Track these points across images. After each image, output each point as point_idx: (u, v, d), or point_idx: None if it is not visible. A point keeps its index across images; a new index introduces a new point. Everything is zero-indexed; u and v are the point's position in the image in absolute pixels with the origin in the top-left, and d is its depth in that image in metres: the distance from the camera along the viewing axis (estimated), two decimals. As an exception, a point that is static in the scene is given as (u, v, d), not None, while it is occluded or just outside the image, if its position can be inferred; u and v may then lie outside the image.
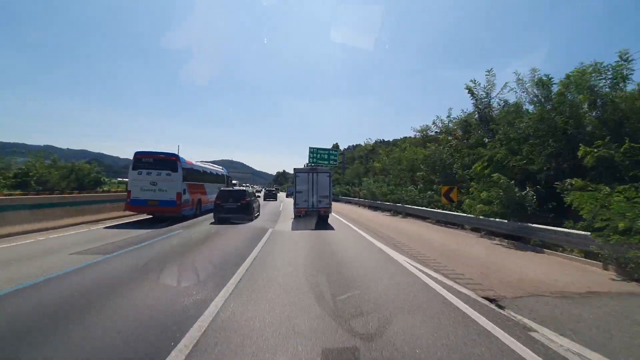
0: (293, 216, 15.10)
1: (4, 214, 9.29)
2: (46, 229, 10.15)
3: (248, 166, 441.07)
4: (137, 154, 13.64)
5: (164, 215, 13.92)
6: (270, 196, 39.17)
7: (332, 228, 12.63)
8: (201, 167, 17.81)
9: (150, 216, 14.64)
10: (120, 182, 44.50)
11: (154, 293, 4.47)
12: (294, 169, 15.11)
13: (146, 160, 13.59)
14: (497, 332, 3.40)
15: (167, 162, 13.76)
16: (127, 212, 14.60)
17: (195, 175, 16.29)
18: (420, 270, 6.08)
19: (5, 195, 14.95)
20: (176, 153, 14.56)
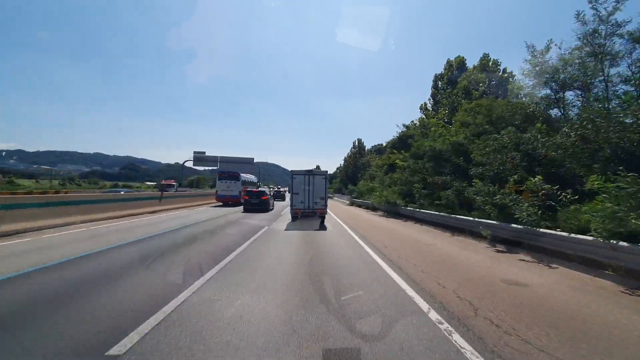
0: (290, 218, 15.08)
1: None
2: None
3: (282, 167, 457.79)
4: (219, 172, 27.49)
5: (230, 202, 27.56)
6: (278, 196, 37.53)
7: (325, 229, 12.67)
8: (247, 177, 31.48)
9: (221, 203, 28.02)
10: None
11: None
12: (291, 171, 14.98)
13: (223, 176, 27.35)
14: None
15: (234, 175, 27.44)
16: (212, 200, 28.46)
17: (246, 182, 29.81)
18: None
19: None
20: (237, 171, 28.22)
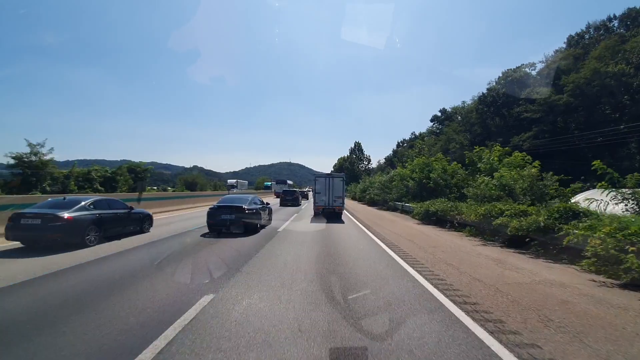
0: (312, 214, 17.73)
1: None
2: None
3: (307, 167, 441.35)
4: (276, 179, 52.03)
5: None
6: (303, 196, 40.27)
7: (343, 222, 15.21)
8: (289, 182, 55.02)
9: (275, 196, 50.85)
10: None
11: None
12: (314, 174, 18.17)
13: (277, 181, 51.80)
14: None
15: (283, 181, 53.42)
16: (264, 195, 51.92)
17: (289, 184, 53.17)
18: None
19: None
20: (286, 179, 51.71)
